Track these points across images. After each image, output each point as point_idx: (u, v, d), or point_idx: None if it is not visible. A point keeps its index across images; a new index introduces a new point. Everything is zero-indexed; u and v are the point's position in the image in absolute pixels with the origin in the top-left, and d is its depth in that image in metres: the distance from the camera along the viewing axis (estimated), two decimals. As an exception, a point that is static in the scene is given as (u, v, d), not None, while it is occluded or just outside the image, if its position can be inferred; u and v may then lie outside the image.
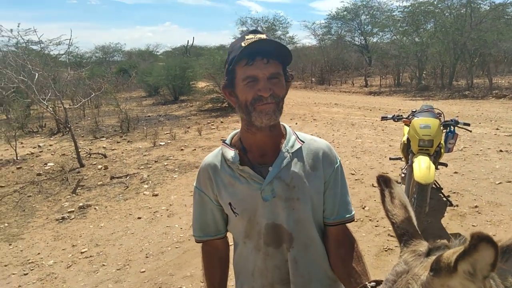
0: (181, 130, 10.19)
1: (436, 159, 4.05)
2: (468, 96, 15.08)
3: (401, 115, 4.34)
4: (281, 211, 1.25)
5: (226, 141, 1.35)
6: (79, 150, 7.10)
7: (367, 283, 1.11)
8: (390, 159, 5.13)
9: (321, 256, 1.31)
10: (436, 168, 4.44)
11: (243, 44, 1.17)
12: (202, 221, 1.38)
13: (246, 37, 1.20)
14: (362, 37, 28.12)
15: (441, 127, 3.96)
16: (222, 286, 1.44)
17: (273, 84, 1.18)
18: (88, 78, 12.51)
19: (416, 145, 3.84)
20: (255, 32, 1.23)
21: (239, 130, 1.35)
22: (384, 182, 1.08)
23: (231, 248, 1.44)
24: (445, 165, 4.49)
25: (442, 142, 4.09)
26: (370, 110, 12.36)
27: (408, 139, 4.12)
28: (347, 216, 1.32)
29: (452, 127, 4.14)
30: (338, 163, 1.34)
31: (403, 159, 4.62)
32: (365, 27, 27.53)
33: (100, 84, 10.95)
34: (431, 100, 14.90)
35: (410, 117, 4.19)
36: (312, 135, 1.40)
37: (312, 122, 10.52)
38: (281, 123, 1.33)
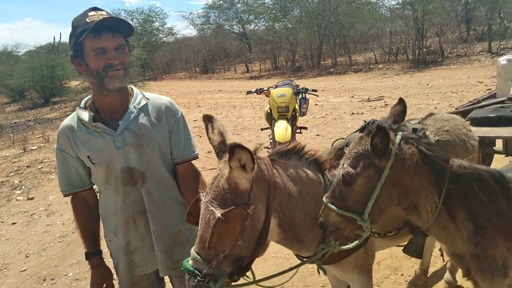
0: (55, 132, 9.43)
1: (293, 122, 4.71)
2: (333, 73, 17.11)
3: (263, 88, 4.91)
4: (132, 155, 1.52)
5: (80, 105, 1.56)
6: None
7: (200, 193, 1.45)
8: (261, 129, 5.73)
9: (171, 188, 1.63)
10: (298, 132, 5.15)
11: (88, 20, 1.39)
12: (67, 177, 1.58)
13: (89, 13, 1.42)
14: (240, 25, 29.09)
15: (294, 95, 4.62)
16: (95, 232, 1.66)
17: (120, 53, 1.45)
18: None
19: (276, 112, 4.43)
20: (96, 9, 1.46)
21: (91, 95, 1.57)
22: (208, 119, 1.46)
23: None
24: (305, 128, 5.25)
25: (297, 107, 4.77)
26: (251, 92, 13.19)
27: (270, 108, 4.70)
28: (191, 155, 1.66)
29: (303, 94, 4.85)
30: (180, 114, 1.66)
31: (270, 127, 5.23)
32: (242, 15, 28.57)
33: None
34: (303, 79, 16.50)
35: (270, 89, 4.79)
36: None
37: (196, 108, 10.80)
38: (128, 86, 1.59)
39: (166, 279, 1.71)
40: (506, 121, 2.99)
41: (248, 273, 1.33)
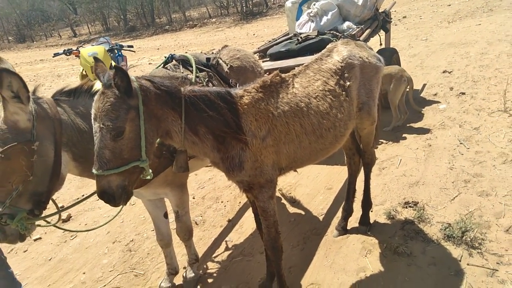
0: None
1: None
2: (169, 30, 16.69)
3: (71, 48, 4.50)
4: None
5: None
6: None
7: None
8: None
9: None
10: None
11: None
12: None
13: None
14: (56, -17, 25.24)
15: (109, 53, 4.40)
16: None
17: None
18: None
19: (91, 72, 4.15)
20: None
21: None
22: None
23: None
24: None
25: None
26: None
27: (85, 70, 4.38)
28: None
29: (119, 51, 4.66)
30: None
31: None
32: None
33: None
34: (139, 40, 15.68)
35: (80, 49, 4.42)
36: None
37: (11, 83, 9.28)
38: None
39: None
40: (292, 53, 3.54)
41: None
